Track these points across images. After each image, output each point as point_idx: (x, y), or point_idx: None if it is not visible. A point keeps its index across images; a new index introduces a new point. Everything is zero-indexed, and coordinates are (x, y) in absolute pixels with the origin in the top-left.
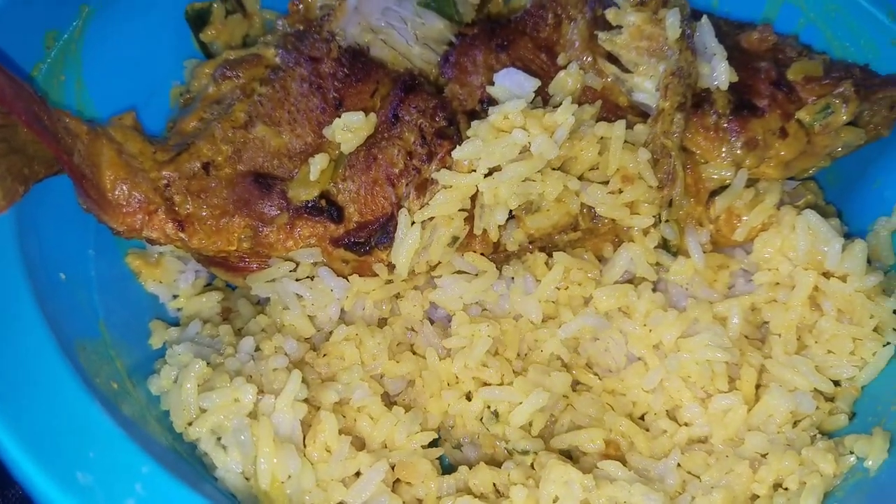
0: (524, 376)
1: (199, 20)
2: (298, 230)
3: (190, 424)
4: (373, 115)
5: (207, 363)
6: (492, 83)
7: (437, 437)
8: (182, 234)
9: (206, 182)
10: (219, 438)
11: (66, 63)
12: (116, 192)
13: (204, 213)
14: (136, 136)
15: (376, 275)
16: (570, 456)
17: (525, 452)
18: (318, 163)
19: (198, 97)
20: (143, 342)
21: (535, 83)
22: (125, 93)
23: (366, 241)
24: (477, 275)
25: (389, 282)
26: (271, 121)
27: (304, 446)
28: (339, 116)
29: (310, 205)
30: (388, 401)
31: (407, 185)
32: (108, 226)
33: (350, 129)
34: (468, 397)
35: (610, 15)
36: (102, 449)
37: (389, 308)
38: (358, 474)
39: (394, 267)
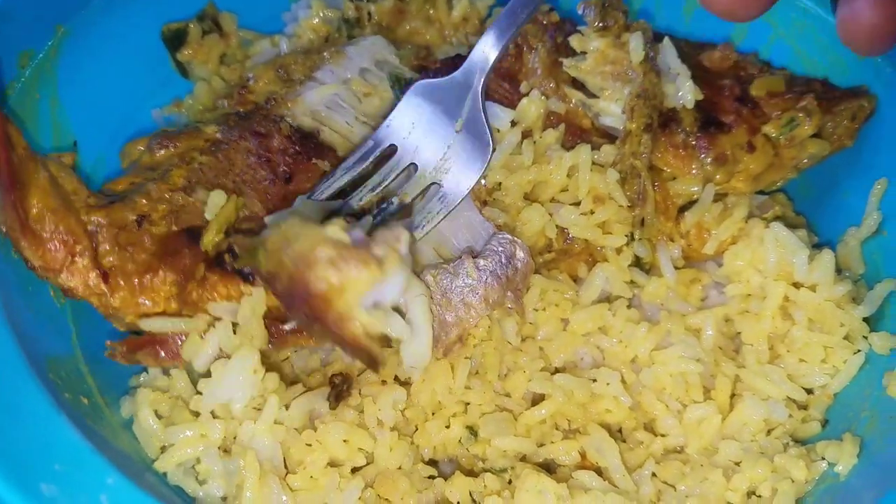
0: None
1: (175, 40)
2: (214, 285)
3: (163, 450)
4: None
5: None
6: None
7: (435, 473)
8: (104, 287)
9: (136, 235)
10: (193, 466)
11: (42, 82)
12: (40, 222)
13: (129, 268)
14: (72, 176)
15: None
16: (549, 468)
17: (503, 470)
18: (214, 197)
19: (130, 168)
20: None
21: (511, 114)
22: (102, 112)
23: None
24: None
25: None
26: (214, 187)
27: (286, 471)
28: (289, 190)
29: (224, 253)
30: None
31: None
32: (23, 256)
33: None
34: (448, 425)
35: (574, 41)
36: (68, 461)
37: None
38: None
39: None
